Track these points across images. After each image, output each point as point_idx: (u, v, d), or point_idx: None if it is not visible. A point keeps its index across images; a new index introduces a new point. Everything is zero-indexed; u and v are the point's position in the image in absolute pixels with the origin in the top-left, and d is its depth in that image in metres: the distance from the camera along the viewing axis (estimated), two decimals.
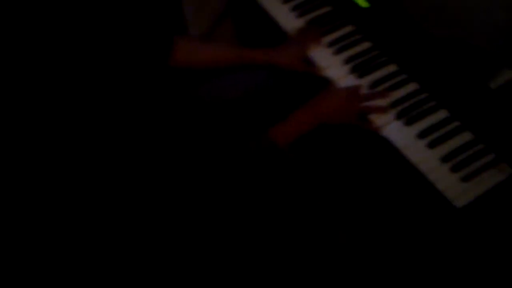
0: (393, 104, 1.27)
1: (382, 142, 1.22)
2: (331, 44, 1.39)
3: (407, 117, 1.24)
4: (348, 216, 1.38)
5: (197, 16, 1.63)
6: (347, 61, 1.36)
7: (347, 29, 1.42)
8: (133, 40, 1.04)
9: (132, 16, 1.04)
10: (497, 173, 1.15)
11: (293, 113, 1.16)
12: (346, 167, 1.46)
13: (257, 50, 1.32)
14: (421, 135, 1.21)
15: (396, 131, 1.23)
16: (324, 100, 1.21)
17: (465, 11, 1.22)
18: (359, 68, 1.34)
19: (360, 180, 1.43)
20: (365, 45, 1.39)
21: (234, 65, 1.31)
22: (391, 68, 1.34)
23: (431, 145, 1.20)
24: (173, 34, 1.21)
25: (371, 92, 1.28)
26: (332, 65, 1.36)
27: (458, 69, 1.24)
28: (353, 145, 1.42)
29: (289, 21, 1.46)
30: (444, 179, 1.15)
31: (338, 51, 1.38)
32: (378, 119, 1.25)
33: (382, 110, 1.24)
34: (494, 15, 1.17)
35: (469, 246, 1.20)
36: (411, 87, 1.30)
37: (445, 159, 1.18)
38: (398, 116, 1.25)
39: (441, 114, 1.25)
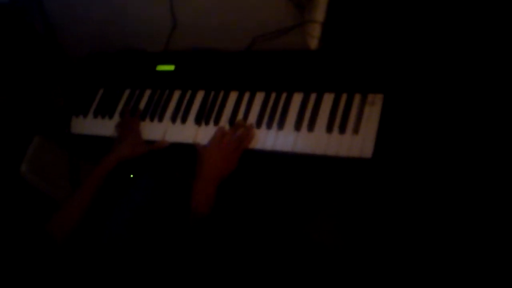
0: (258, 121, 1.28)
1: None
2: (173, 116, 1.39)
3: (275, 122, 1.26)
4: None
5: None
6: (196, 119, 1.35)
7: (176, 95, 1.43)
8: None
9: None
10: (373, 107, 1.18)
11: (194, 186, 1.17)
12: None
13: (103, 159, 1.30)
14: (296, 127, 1.22)
15: (276, 141, 1.24)
16: (204, 163, 1.20)
17: None
18: (201, 117, 1.35)
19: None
20: (200, 95, 1.39)
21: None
22: (233, 96, 1.35)
23: (310, 128, 1.21)
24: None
25: (234, 128, 1.28)
26: (179, 131, 1.36)
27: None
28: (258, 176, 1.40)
29: (106, 127, 1.45)
30: (341, 145, 1.16)
31: (173, 118, 1.38)
32: (257, 143, 1.25)
33: (252, 135, 1.25)
34: None
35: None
36: (258, 98, 1.32)
37: (309, 128, 1.20)
38: (268, 127, 1.26)
39: (297, 99, 1.27)
